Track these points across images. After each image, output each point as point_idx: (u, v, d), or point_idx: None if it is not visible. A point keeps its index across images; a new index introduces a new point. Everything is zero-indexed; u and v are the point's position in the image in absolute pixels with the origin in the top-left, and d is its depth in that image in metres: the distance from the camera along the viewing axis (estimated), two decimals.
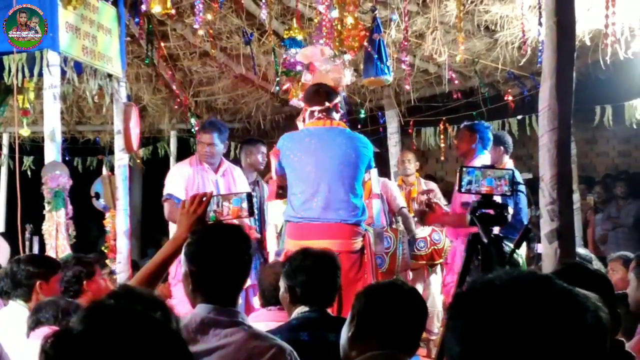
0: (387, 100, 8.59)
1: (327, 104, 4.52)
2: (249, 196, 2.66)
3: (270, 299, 3.29)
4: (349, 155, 4.43)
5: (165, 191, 5.27)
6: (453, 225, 5.11)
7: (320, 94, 4.57)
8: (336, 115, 4.60)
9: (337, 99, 4.66)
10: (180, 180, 5.25)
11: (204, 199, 2.53)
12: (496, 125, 8.34)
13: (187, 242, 2.43)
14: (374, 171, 5.09)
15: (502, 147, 5.62)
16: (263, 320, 3.12)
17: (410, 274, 6.32)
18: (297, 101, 5.64)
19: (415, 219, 5.96)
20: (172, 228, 5.15)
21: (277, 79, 6.69)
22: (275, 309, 3.24)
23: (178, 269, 4.29)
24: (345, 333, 2.26)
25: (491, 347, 1.01)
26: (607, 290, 1.87)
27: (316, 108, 4.52)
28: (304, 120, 4.70)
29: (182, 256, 2.44)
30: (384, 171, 8.46)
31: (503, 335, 1.00)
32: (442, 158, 8.61)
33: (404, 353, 2.20)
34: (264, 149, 6.13)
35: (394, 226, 6.12)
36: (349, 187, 4.40)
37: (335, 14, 5.53)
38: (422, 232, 6.27)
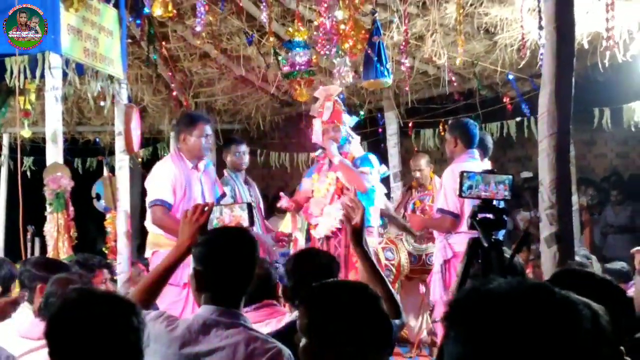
0: (386, 101, 8.61)
1: None
2: (249, 206, 2.74)
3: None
4: None
5: (154, 196, 5.00)
6: (435, 229, 5.25)
7: None
8: None
9: None
10: (168, 184, 4.99)
11: (206, 208, 2.57)
12: (494, 127, 8.38)
13: (196, 243, 2.47)
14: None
15: (481, 150, 5.53)
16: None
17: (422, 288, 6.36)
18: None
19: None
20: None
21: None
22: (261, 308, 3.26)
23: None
24: None
25: (492, 355, 1.04)
26: (610, 297, 1.83)
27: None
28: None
29: (191, 257, 2.48)
30: None
31: (504, 343, 1.03)
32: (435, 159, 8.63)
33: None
34: (239, 148, 6.14)
35: (384, 234, 6.22)
36: None
37: (340, 15, 5.56)
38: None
